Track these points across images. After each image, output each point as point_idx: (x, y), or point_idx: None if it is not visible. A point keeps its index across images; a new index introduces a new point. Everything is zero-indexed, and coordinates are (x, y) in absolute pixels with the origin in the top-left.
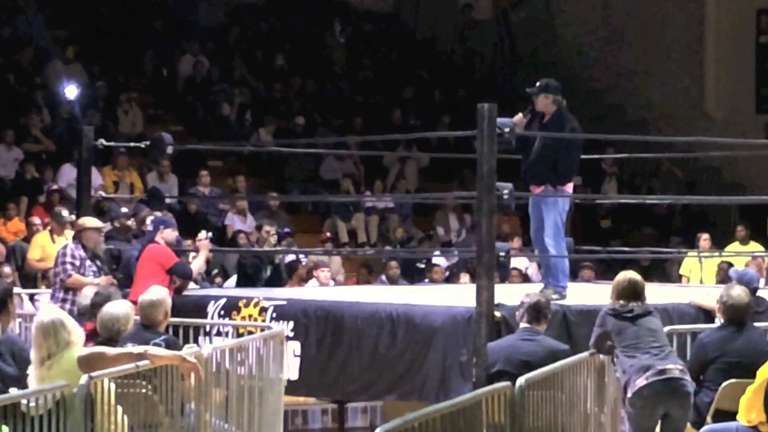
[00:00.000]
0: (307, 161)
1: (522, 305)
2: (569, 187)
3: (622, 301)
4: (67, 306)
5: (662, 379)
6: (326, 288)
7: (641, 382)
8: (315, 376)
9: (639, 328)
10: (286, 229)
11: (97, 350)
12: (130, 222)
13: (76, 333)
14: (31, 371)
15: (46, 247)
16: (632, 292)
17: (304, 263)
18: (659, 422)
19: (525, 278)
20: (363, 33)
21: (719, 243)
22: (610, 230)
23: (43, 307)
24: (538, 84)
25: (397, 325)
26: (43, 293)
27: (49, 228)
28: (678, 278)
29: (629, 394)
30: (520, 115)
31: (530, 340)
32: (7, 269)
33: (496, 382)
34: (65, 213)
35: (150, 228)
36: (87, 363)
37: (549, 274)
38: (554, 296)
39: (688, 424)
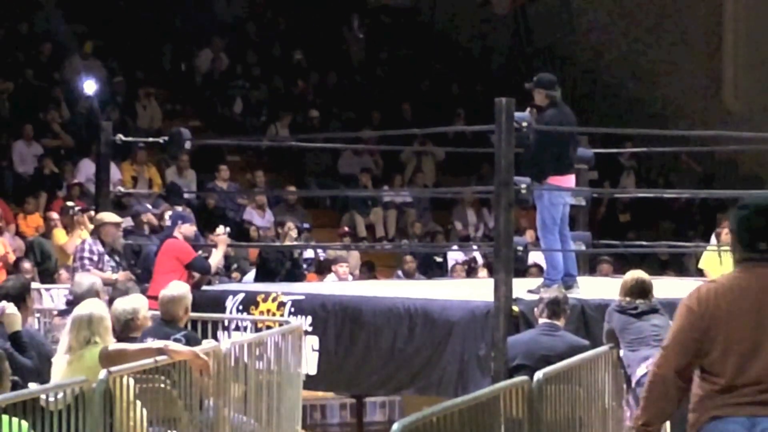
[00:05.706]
0: (324, 156)
1: (541, 301)
2: (563, 181)
3: (628, 298)
4: None
5: None
6: (344, 283)
7: (641, 371)
8: (333, 370)
9: (643, 323)
10: (306, 224)
11: (119, 347)
12: (145, 217)
13: (103, 336)
14: (57, 357)
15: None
16: (639, 290)
17: (331, 258)
18: None
19: (542, 272)
20: (381, 27)
21: None
22: (629, 224)
23: (87, 301)
24: (534, 79)
25: (415, 320)
26: (56, 288)
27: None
28: (697, 272)
29: (633, 385)
30: (529, 110)
31: (551, 335)
32: (27, 264)
33: (516, 376)
34: (70, 203)
35: (168, 223)
36: (108, 359)
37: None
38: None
39: None
